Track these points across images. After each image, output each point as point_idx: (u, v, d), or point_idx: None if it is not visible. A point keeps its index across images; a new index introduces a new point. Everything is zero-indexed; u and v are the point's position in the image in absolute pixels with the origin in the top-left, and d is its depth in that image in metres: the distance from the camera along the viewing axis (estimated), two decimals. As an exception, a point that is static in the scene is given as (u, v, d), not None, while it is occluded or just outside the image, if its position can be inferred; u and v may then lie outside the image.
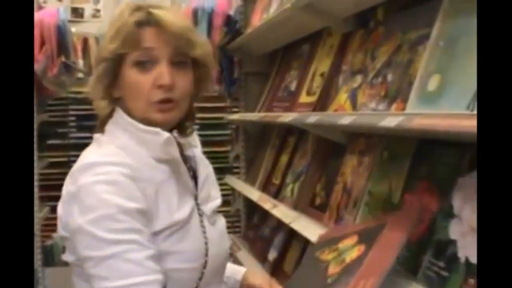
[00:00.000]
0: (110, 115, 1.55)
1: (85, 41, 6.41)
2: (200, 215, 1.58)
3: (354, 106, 2.25)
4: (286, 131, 3.34)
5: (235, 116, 4.10)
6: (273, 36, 3.42)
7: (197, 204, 1.59)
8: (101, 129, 1.57)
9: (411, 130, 1.56)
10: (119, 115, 1.54)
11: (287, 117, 2.59)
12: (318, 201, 2.65)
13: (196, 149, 1.70)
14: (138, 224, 1.40)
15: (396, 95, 1.94)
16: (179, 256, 1.48)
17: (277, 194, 3.12)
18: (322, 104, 2.57)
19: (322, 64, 2.78)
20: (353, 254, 1.68)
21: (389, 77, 2.03)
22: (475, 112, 1.44)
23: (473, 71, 1.53)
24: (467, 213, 1.55)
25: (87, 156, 1.49)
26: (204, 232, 1.56)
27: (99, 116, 1.58)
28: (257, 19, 3.57)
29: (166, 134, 1.50)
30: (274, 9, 3.16)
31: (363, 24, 2.46)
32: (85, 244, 1.39)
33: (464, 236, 1.53)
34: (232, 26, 4.04)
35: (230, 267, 1.84)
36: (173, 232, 1.48)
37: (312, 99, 2.71)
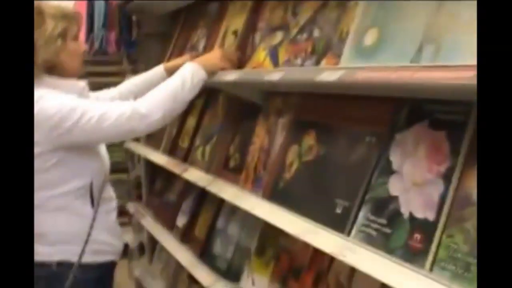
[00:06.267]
0: None
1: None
2: None
3: (275, 63, 2.19)
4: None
5: (134, 79, 3.95)
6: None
7: None
8: None
9: (351, 84, 1.51)
10: (44, 79, 2.09)
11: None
12: (232, 163, 2.59)
13: None
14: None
15: (325, 51, 1.88)
16: (96, 169, 2.23)
17: (186, 158, 3.03)
18: (240, 62, 2.48)
19: (234, 22, 2.69)
20: None
21: (316, 33, 1.97)
22: (424, 64, 1.41)
23: (415, 25, 1.50)
24: (408, 168, 1.53)
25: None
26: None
27: None
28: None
29: (82, 82, 2.22)
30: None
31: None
32: (68, 117, 2.00)
33: (406, 192, 1.50)
34: (131, -16, 3.88)
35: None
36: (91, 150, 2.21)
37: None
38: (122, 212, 2.93)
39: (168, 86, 2.19)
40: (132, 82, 2.74)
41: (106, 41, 3.86)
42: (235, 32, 2.63)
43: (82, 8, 3.86)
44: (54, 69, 2.14)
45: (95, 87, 6.09)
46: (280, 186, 2.11)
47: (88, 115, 2.02)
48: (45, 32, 2.08)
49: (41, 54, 2.07)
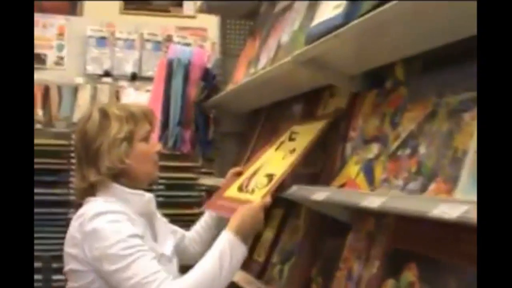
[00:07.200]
0: (91, 188, 2.08)
1: (46, 90, 6.01)
2: (161, 255, 2.09)
3: (370, 181, 1.88)
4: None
5: (209, 181, 3.70)
6: (258, 94, 3.06)
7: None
8: (82, 197, 2.11)
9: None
10: (111, 186, 2.07)
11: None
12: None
13: None
14: (139, 241, 1.96)
15: (434, 173, 1.56)
16: None
17: (260, 274, 2.72)
18: (325, 176, 2.18)
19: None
20: None
21: (422, 149, 1.66)
22: None
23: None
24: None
25: (92, 208, 2.01)
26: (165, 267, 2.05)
27: (80, 190, 2.12)
28: (241, 74, 3.20)
29: (148, 194, 2.15)
30: (264, 64, 2.80)
31: (375, 83, 2.11)
32: (111, 262, 1.91)
33: None
34: (210, 80, 3.69)
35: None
36: None
37: (310, 169, 2.32)
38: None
39: (204, 275, 1.97)
40: (195, 229, 2.57)
41: (181, 139, 3.65)
42: (324, 141, 2.34)
43: (157, 104, 3.68)
44: (122, 175, 2.10)
45: (167, 182, 6.00)
46: (372, 327, 1.77)
47: (130, 274, 1.91)
48: (109, 137, 2.04)
49: (105, 161, 2.04)
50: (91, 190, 2.09)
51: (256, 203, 2.15)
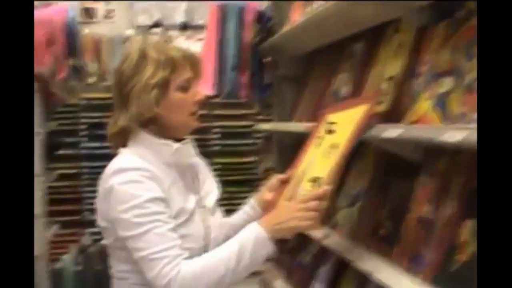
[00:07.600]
0: (122, 134, 1.96)
1: (97, 43, 5.98)
2: (202, 207, 2.01)
3: (445, 116, 1.77)
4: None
5: (267, 126, 3.63)
6: (316, 33, 2.94)
7: (199, 199, 2.02)
8: (116, 144, 1.99)
9: None
10: (140, 135, 1.94)
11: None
12: (382, 231, 2.18)
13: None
14: (158, 207, 1.84)
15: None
16: (186, 238, 1.88)
17: (326, 220, 2.65)
18: (396, 114, 2.07)
19: (389, 66, 2.28)
20: None
21: (501, 79, 1.55)
22: None
23: None
24: None
25: (116, 163, 1.90)
26: (205, 220, 1.99)
27: (111, 135, 1.99)
28: (298, 15, 3.10)
29: (176, 145, 1.95)
30: (321, 3, 2.68)
31: (444, 15, 1.98)
32: (123, 227, 1.83)
33: None
34: (265, 23, 3.60)
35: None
36: (181, 219, 1.90)
37: (380, 108, 2.20)
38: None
39: (218, 266, 1.82)
40: (234, 219, 2.25)
41: (237, 85, 3.57)
42: (391, 78, 2.22)
43: (212, 50, 3.60)
44: (153, 123, 1.95)
45: (224, 131, 5.99)
46: (450, 269, 1.69)
47: (140, 245, 1.82)
48: (141, 80, 1.89)
49: (133, 106, 1.91)
50: (122, 138, 1.97)
51: (294, 202, 1.94)
